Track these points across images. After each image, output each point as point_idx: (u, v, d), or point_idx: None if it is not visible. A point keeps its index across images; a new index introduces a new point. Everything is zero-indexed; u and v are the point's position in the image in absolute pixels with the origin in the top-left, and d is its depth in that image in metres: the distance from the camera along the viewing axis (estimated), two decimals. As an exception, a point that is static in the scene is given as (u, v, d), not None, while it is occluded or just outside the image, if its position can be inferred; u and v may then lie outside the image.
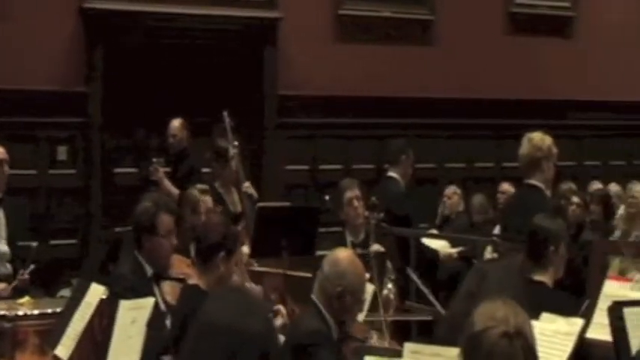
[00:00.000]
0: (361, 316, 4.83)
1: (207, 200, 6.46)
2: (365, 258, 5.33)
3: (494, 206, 9.53)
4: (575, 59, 11.40)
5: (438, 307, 6.06)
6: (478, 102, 10.74)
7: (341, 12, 10.27)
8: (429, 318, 6.16)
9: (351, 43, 10.32)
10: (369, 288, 5.07)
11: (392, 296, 5.76)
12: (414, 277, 6.60)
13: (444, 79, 10.58)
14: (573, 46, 11.53)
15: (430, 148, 10.32)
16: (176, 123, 8.91)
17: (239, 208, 7.35)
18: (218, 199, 7.11)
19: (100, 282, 4.54)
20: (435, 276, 8.28)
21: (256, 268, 6.27)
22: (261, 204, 6.91)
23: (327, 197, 7.47)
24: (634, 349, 3.99)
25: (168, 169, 8.75)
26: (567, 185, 9.25)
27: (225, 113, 7.51)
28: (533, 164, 6.12)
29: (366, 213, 6.47)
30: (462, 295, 3.90)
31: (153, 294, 4.63)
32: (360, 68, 10.22)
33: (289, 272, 6.06)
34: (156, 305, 4.27)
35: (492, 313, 2.86)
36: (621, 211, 8.99)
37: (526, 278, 4.99)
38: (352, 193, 6.67)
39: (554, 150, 6.20)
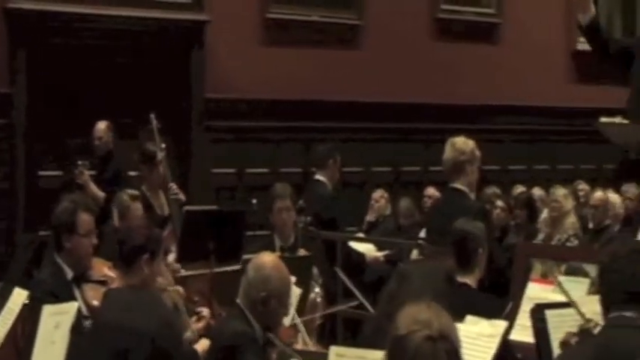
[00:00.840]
0: (287, 320, 4.83)
1: (138, 207, 6.41)
2: (292, 261, 5.33)
3: (421, 210, 9.61)
4: (500, 64, 11.55)
5: (369, 307, 6.08)
6: (405, 106, 10.81)
7: (268, 15, 10.27)
8: (353, 309, 6.18)
9: (279, 46, 10.32)
10: (296, 291, 5.07)
11: (319, 300, 5.77)
12: (344, 278, 6.62)
13: (372, 83, 10.64)
14: (498, 52, 11.68)
15: (357, 152, 10.36)
16: (102, 125, 8.83)
17: (166, 212, 7.30)
18: (145, 203, 7.06)
19: (24, 287, 4.48)
20: (362, 279, 8.31)
21: (182, 273, 6.23)
22: (188, 207, 6.87)
23: (254, 201, 7.46)
24: (556, 351, 4.06)
25: (93, 172, 8.66)
26: (491, 189, 9.38)
27: (152, 116, 7.46)
28: (456, 168, 6.18)
29: (294, 217, 6.48)
30: (385, 297, 3.92)
31: (73, 298, 4.58)
32: (288, 71, 10.23)
33: (216, 269, 6.01)
34: (78, 310, 4.22)
35: (416, 316, 2.87)
36: (545, 214, 9.13)
37: (452, 280, 5.05)
38: (282, 203, 6.65)
39: (478, 153, 6.26)
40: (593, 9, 5.87)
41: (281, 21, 10.33)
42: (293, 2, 10.38)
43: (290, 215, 6.65)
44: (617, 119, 5.63)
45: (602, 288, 3.67)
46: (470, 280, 5.03)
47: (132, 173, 8.31)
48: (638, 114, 5.64)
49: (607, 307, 3.63)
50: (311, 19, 10.49)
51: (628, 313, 3.56)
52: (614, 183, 9.40)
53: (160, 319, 2.84)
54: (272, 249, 6.23)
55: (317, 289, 5.81)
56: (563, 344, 4.01)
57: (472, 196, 6.43)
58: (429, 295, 3.41)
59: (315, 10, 10.51)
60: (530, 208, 9.24)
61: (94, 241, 4.98)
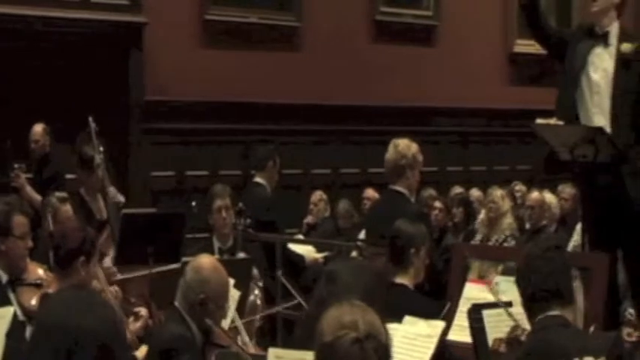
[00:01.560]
0: (226, 322, 4.82)
1: (67, 209, 6.36)
2: (231, 264, 5.33)
3: (360, 211, 9.65)
4: (438, 66, 11.64)
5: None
6: (344, 108, 10.85)
7: (207, 17, 10.23)
8: (293, 311, 6.19)
9: (218, 48, 10.29)
10: (235, 294, 5.07)
11: (258, 302, 5.77)
12: (284, 280, 6.63)
13: (311, 85, 10.65)
14: (436, 54, 11.76)
15: (296, 154, 10.38)
16: (38, 128, 8.74)
17: (105, 215, 7.24)
18: (83, 206, 7.00)
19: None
20: (301, 281, 8.32)
21: (119, 277, 6.19)
22: (126, 210, 6.83)
23: (193, 203, 7.43)
24: (493, 352, 4.11)
25: (30, 175, 8.56)
26: (429, 191, 9.45)
27: (90, 119, 7.40)
28: (397, 170, 6.21)
29: (234, 219, 6.48)
30: (314, 298, 3.94)
31: (8, 302, 4.53)
32: (227, 73, 10.20)
33: (155, 269, 5.98)
34: (14, 314, 4.18)
35: (340, 320, 2.82)
36: (482, 215, 9.21)
37: (388, 281, 5.08)
38: (222, 202, 6.67)
39: (420, 157, 6.30)
40: None
41: (220, 23, 10.30)
42: (232, 4, 10.36)
43: (229, 215, 6.64)
44: (553, 121, 5.69)
45: (523, 291, 3.71)
46: (406, 280, 5.05)
47: (69, 176, 8.23)
48: (565, 113, 5.70)
49: (531, 309, 3.67)
50: (250, 21, 10.47)
51: (553, 312, 3.60)
52: (551, 183, 9.53)
53: (104, 320, 2.82)
54: (211, 251, 6.22)
55: (256, 292, 5.81)
56: (492, 352, 4.06)
57: (412, 199, 6.47)
58: (358, 293, 3.43)
59: (254, 11, 10.49)
60: (468, 209, 9.34)
61: (30, 243, 4.93)
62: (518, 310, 4.14)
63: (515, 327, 4.00)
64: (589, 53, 5.69)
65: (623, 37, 5.66)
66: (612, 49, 5.66)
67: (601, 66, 5.66)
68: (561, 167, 5.87)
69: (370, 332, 2.80)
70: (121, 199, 7.32)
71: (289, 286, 6.43)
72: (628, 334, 4.30)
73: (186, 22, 10.12)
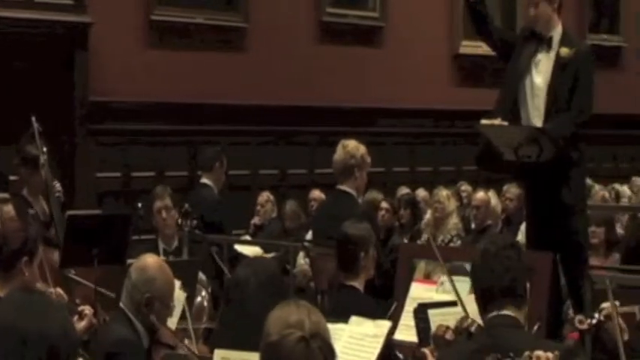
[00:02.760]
0: (172, 323, 4.80)
1: (9, 210, 6.27)
2: (178, 265, 5.31)
3: (306, 212, 9.66)
4: (383, 68, 11.69)
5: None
6: (290, 109, 10.85)
7: (153, 17, 10.17)
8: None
9: (164, 49, 10.24)
10: (182, 296, 5.05)
11: (205, 303, 5.76)
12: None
13: (257, 86, 10.64)
14: (382, 55, 11.81)
15: (243, 155, 10.36)
16: (-20, 129, 8.63)
17: (48, 217, 7.17)
18: (26, 207, 6.91)
19: None
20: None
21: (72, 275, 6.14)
22: (71, 212, 6.77)
23: (140, 205, 7.39)
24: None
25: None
26: (375, 192, 9.48)
27: (33, 118, 7.32)
28: (346, 170, 6.24)
29: (179, 220, 6.46)
30: (231, 307, 3.96)
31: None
32: (173, 74, 10.15)
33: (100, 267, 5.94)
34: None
35: (286, 319, 2.85)
36: (428, 215, 9.27)
37: (338, 283, 5.10)
38: (161, 203, 6.66)
39: (368, 159, 6.35)
40: None
41: (166, 23, 10.25)
42: (178, 4, 10.31)
43: (169, 216, 6.63)
44: (497, 121, 5.75)
45: (477, 287, 3.71)
46: (356, 282, 5.06)
47: (12, 177, 8.13)
48: (505, 113, 5.78)
49: (484, 306, 3.67)
50: (196, 22, 10.43)
51: (506, 311, 3.61)
52: (497, 183, 9.62)
53: (54, 322, 2.80)
54: (156, 253, 6.18)
55: (203, 293, 5.79)
56: (436, 337, 4.07)
57: (359, 199, 6.50)
58: (267, 293, 3.45)
59: (200, 12, 10.45)
60: (414, 209, 9.39)
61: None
62: (467, 308, 4.17)
63: (465, 317, 4.02)
64: (533, 57, 5.80)
65: (564, 42, 5.79)
66: (553, 53, 5.77)
67: (542, 70, 5.77)
68: (493, 164, 5.96)
69: (316, 331, 2.84)
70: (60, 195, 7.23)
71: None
72: (570, 331, 4.36)
73: (132, 23, 10.06)
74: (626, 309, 4.02)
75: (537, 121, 5.74)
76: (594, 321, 3.95)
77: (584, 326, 3.95)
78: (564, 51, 5.75)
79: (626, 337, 3.91)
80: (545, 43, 5.80)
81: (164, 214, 6.63)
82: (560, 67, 5.72)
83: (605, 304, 3.98)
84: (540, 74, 5.77)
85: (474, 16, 6.07)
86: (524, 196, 6.35)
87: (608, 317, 3.93)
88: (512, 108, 5.81)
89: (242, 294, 3.91)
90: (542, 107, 5.73)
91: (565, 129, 5.64)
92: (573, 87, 5.69)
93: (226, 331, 4.05)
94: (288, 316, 2.86)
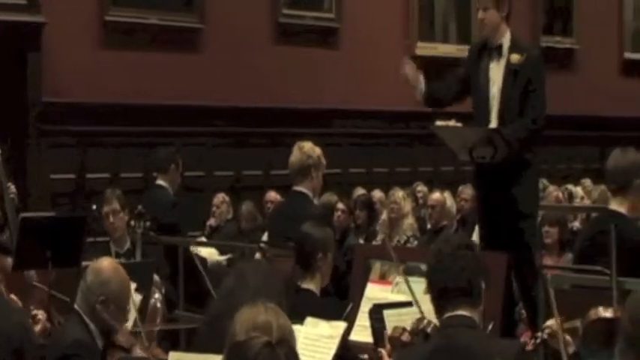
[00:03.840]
0: (128, 326, 4.78)
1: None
2: (133, 267, 5.28)
3: (263, 213, 9.65)
4: (340, 69, 11.71)
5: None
6: (246, 110, 10.83)
7: (107, 18, 10.10)
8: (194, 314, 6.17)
9: (119, 49, 10.17)
10: (137, 298, 5.03)
11: (159, 305, 5.73)
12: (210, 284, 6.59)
13: (213, 87, 10.61)
14: (338, 56, 11.83)
15: (198, 156, 10.32)
16: None
17: (1, 219, 7.09)
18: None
19: None
20: (204, 284, 8.28)
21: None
22: (24, 214, 6.70)
23: (94, 207, 7.34)
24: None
25: None
26: (331, 193, 9.50)
27: (-16, 120, 7.25)
28: (303, 171, 6.25)
29: (132, 222, 6.42)
30: (220, 295, 3.92)
31: None
32: (128, 75, 10.10)
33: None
34: None
35: (254, 321, 2.86)
36: (384, 216, 9.30)
37: (295, 286, 5.09)
38: (108, 207, 6.65)
39: (324, 161, 6.37)
40: (422, 82, 6.12)
41: (120, 24, 10.18)
42: (132, 5, 10.25)
43: (117, 219, 6.61)
44: (452, 122, 5.80)
45: (433, 287, 3.72)
46: (312, 285, 5.06)
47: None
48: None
49: (439, 306, 3.68)
50: (151, 22, 10.38)
51: (461, 311, 3.63)
52: (452, 184, 9.69)
53: (18, 324, 2.78)
54: (108, 256, 6.13)
55: (157, 295, 5.77)
56: (392, 338, 4.09)
57: (315, 200, 6.51)
58: (266, 296, 3.43)
59: (155, 13, 10.40)
60: (370, 210, 9.41)
61: None
62: (423, 308, 4.19)
63: (422, 319, 4.03)
64: (488, 69, 5.88)
65: (513, 48, 5.86)
66: (504, 60, 5.84)
67: (496, 79, 5.85)
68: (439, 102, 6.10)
69: (282, 337, 2.84)
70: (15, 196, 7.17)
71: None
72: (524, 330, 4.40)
73: (86, 23, 9.98)
74: (568, 324, 4.07)
75: (490, 125, 5.81)
76: (539, 340, 4.02)
77: (530, 347, 4.01)
78: (514, 57, 5.82)
79: (571, 350, 3.97)
80: (495, 51, 5.88)
81: (111, 218, 6.61)
82: (512, 73, 5.79)
83: (549, 322, 4.03)
84: (495, 84, 5.86)
85: (430, 105, 6.24)
86: (476, 196, 6.39)
87: (552, 335, 3.99)
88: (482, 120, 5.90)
89: (242, 284, 3.84)
90: (494, 112, 5.80)
91: (519, 134, 5.70)
92: (525, 92, 5.76)
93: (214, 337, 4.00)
94: (256, 318, 2.87)
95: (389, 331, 4.19)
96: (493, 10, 5.89)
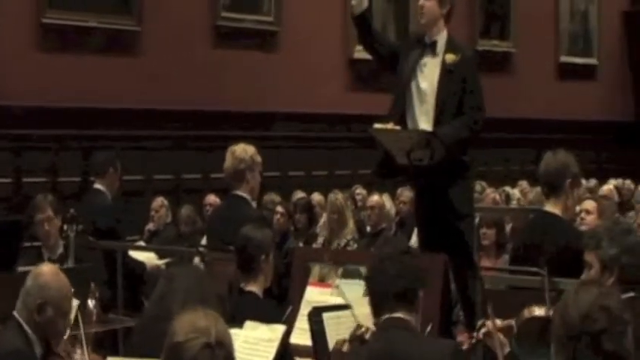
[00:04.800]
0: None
1: None
2: (70, 272, 5.23)
3: (202, 217, 9.62)
4: (279, 72, 11.72)
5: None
6: (185, 114, 10.80)
7: (45, 20, 10.01)
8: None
9: (56, 52, 10.09)
10: (74, 302, 4.98)
11: (94, 310, 5.69)
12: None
13: (151, 90, 10.56)
14: (277, 60, 11.85)
15: (137, 160, 10.26)
16: None
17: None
18: None
19: None
20: (143, 289, 8.24)
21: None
22: (-41, 219, 6.63)
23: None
24: (333, 354, 4.16)
25: None
26: (270, 196, 9.50)
27: None
28: (237, 176, 6.23)
29: (64, 226, 6.35)
30: (151, 300, 3.92)
31: None
32: (66, 78, 10.01)
33: None
34: None
35: (194, 324, 2.90)
36: (324, 219, 9.32)
37: (238, 288, 5.09)
38: (43, 215, 6.53)
39: (258, 159, 6.32)
40: (366, 2, 6.05)
41: (58, 26, 10.10)
42: (70, 7, 10.17)
43: (52, 225, 6.53)
44: (390, 125, 5.82)
45: (371, 290, 3.77)
46: (255, 287, 5.06)
47: None
48: (396, 119, 5.86)
49: (377, 309, 3.73)
50: (89, 25, 10.30)
51: (398, 315, 3.67)
52: (371, 184, 9.71)
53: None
54: (40, 261, 6.07)
55: (93, 300, 5.72)
56: (335, 352, 4.12)
57: (253, 203, 6.50)
58: (197, 300, 3.43)
59: (93, 15, 10.33)
60: (310, 213, 9.42)
61: None
62: (359, 311, 4.21)
63: (359, 326, 4.06)
64: (418, 62, 5.88)
65: (449, 47, 5.87)
66: (439, 59, 5.86)
67: (428, 75, 5.85)
68: (393, 173, 6.04)
69: (221, 340, 2.89)
70: None
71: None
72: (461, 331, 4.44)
73: (23, 25, 9.89)
74: (504, 324, 4.12)
75: (426, 126, 5.81)
76: (474, 341, 4.07)
77: (466, 346, 4.06)
78: (450, 57, 5.83)
79: (507, 349, 4.03)
80: (429, 47, 5.89)
81: (47, 225, 6.50)
82: (447, 72, 5.80)
83: (485, 322, 4.08)
84: (426, 79, 5.85)
85: (360, 33, 6.15)
86: (414, 198, 6.42)
87: (487, 335, 4.05)
88: (402, 113, 5.89)
89: (172, 288, 3.83)
90: (430, 112, 5.81)
91: (459, 133, 5.73)
92: (462, 93, 5.78)
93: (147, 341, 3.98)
94: (196, 321, 2.91)
95: (328, 333, 4.21)
96: (434, 2, 5.90)
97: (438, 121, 5.76)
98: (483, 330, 4.06)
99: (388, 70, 6.16)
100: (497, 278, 5.79)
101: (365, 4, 5.99)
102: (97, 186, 7.90)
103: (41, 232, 6.52)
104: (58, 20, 10.09)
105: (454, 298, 5.82)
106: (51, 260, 6.29)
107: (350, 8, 6.16)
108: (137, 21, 10.64)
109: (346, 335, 4.13)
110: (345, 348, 4.08)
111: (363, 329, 4.01)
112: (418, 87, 5.86)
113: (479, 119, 5.80)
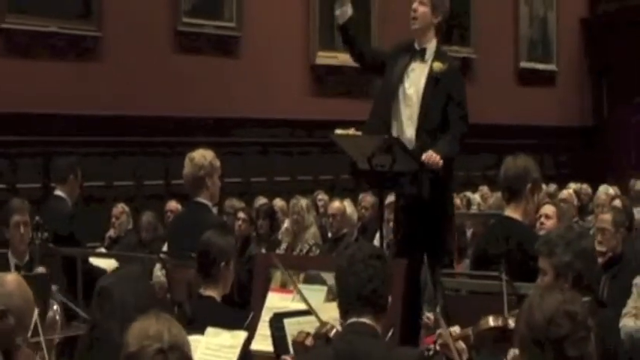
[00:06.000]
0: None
1: None
2: (30, 279, 5.19)
3: (163, 224, 9.59)
4: (241, 78, 11.72)
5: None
6: (146, 119, 10.76)
7: (5, 26, 9.95)
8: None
9: (16, 57, 10.02)
10: (34, 310, 4.94)
11: (57, 317, 5.65)
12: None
13: (112, 96, 10.52)
14: (239, 65, 11.84)
15: (98, 166, 10.21)
16: None
17: None
18: None
19: None
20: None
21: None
22: None
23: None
24: (294, 358, 4.17)
25: None
26: (232, 201, 9.49)
27: None
28: (197, 183, 6.20)
29: (31, 234, 6.32)
30: (94, 320, 3.91)
31: None
32: (26, 84, 9.94)
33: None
34: None
35: (146, 331, 2.89)
36: (286, 225, 9.32)
37: (197, 294, 5.08)
38: (21, 217, 6.48)
39: (217, 164, 6.30)
40: (350, 10, 6.10)
41: (17, 32, 10.04)
42: (30, 12, 10.11)
43: (27, 231, 6.48)
44: (351, 131, 5.85)
45: (340, 292, 3.76)
46: (215, 293, 5.06)
47: None
48: (379, 123, 5.91)
49: (344, 311, 3.72)
50: (50, 31, 10.24)
51: (364, 319, 3.66)
52: (353, 192, 9.75)
53: None
54: (7, 268, 6.03)
55: (55, 307, 5.68)
56: (296, 343, 4.11)
57: (214, 208, 6.49)
58: (134, 303, 3.44)
59: (53, 21, 10.27)
60: (272, 219, 9.42)
61: None
62: (321, 317, 4.22)
63: (325, 323, 4.06)
64: (406, 68, 5.97)
65: (437, 56, 5.97)
66: (426, 66, 5.94)
67: (415, 80, 5.94)
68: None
69: (174, 344, 2.88)
70: None
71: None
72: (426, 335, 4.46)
73: (-18, 31, 9.82)
74: (461, 333, 4.15)
75: (410, 131, 5.89)
76: (431, 352, 4.08)
77: (426, 355, 4.07)
78: (437, 65, 5.93)
79: (465, 357, 4.05)
80: (418, 53, 5.98)
81: (22, 229, 6.45)
82: (433, 80, 5.90)
83: (441, 330, 4.10)
84: (413, 85, 5.94)
85: (345, 39, 6.23)
86: (395, 203, 6.44)
87: (444, 345, 4.06)
88: (385, 118, 5.95)
89: (107, 309, 3.83)
90: (414, 118, 5.89)
91: (454, 147, 5.82)
92: (447, 101, 5.88)
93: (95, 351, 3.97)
94: (148, 328, 2.89)
95: (290, 339, 4.21)
96: (427, 9, 5.98)
97: (421, 126, 5.83)
98: (440, 341, 4.07)
99: (373, 73, 6.24)
100: (458, 283, 5.82)
101: (349, 12, 6.07)
102: (58, 192, 7.85)
103: (16, 236, 6.44)
104: (18, 25, 10.03)
105: (428, 300, 5.86)
106: (18, 267, 6.24)
107: (335, 19, 6.22)
108: (98, 26, 10.59)
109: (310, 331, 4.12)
110: (309, 342, 4.07)
111: (328, 326, 4.01)
112: (404, 92, 5.94)
113: (465, 131, 5.90)
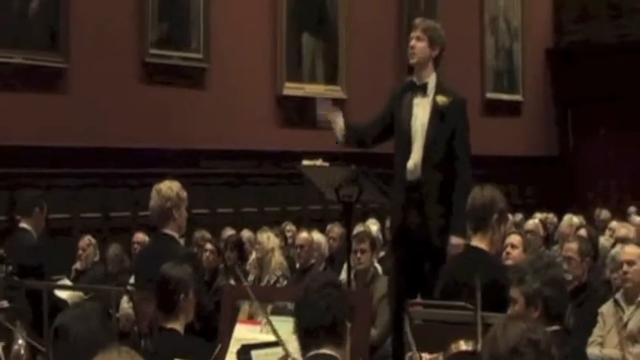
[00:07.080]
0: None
1: None
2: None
3: (130, 256, 9.53)
4: (208, 109, 11.71)
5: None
6: (113, 151, 10.71)
7: (-32, 57, 9.90)
8: None
9: (-20, 89, 9.97)
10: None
11: (22, 352, 5.59)
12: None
13: (79, 127, 10.46)
14: (206, 96, 11.83)
15: (64, 198, 10.14)
16: None
17: None
18: None
19: None
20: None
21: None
22: None
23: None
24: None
25: None
26: (200, 233, 9.46)
27: None
28: (164, 215, 6.18)
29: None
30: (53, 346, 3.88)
31: None
32: (-9, 116, 9.88)
33: None
34: None
35: None
36: (254, 256, 9.30)
37: (158, 326, 5.05)
38: None
39: (184, 195, 6.29)
40: (339, 135, 6.21)
41: (-19, 63, 9.98)
42: (-5, 43, 10.06)
43: None
44: (319, 162, 5.87)
45: (299, 325, 3.74)
46: (177, 325, 5.03)
47: None
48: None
49: (305, 344, 3.70)
50: (14, 62, 10.19)
51: (325, 350, 3.64)
52: (321, 222, 9.75)
53: None
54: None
55: (20, 341, 5.62)
56: None
57: (181, 240, 6.46)
58: (92, 339, 3.42)
59: (18, 52, 10.22)
60: (240, 250, 9.39)
61: None
62: (289, 348, 4.20)
63: (285, 356, 4.04)
64: (411, 104, 6.05)
65: (439, 90, 6.06)
66: (429, 99, 6.02)
67: (419, 114, 6.04)
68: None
69: None
70: None
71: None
72: None
73: (-54, 63, 9.75)
74: (430, 357, 4.14)
75: (414, 163, 6.04)
76: None
77: None
78: (441, 99, 6.04)
79: None
80: (419, 89, 6.07)
81: None
82: (438, 114, 6.02)
83: (410, 354, 4.10)
84: (417, 119, 6.06)
85: (356, 146, 6.40)
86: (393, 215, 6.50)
87: None
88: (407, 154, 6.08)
89: (67, 346, 3.80)
90: (419, 151, 5.99)
91: (470, 184, 5.90)
92: (451, 135, 5.98)
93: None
94: None
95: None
96: (425, 44, 6.07)
97: (426, 159, 5.91)
98: None
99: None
100: (426, 312, 5.81)
101: (340, 139, 6.19)
102: (23, 225, 7.80)
103: None
104: (-19, 57, 9.97)
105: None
106: (-19, 302, 6.18)
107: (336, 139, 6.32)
108: (64, 57, 10.54)
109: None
110: None
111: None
112: (410, 127, 6.03)
113: (469, 169, 6.07)
